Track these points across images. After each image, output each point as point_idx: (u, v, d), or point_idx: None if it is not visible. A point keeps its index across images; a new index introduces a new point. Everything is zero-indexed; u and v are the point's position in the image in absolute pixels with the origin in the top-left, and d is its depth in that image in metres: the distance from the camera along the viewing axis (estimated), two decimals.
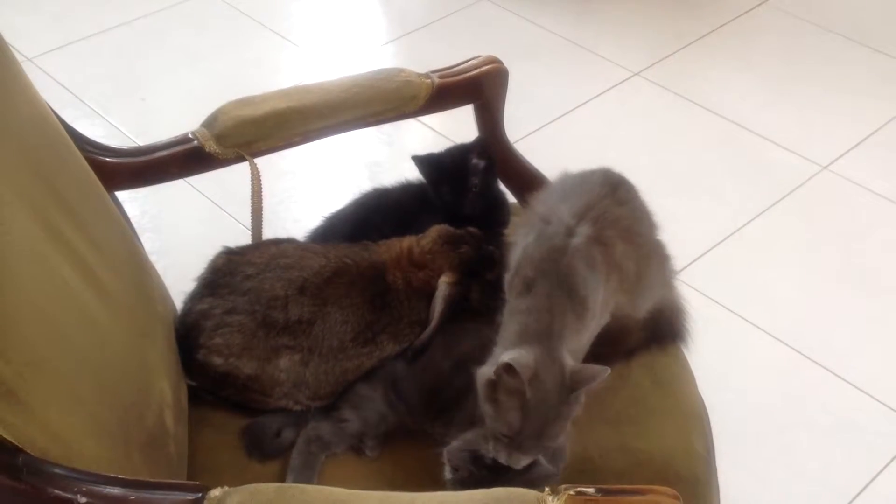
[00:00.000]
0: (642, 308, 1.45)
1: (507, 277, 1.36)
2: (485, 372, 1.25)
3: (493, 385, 1.23)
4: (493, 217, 1.62)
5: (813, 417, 2.14)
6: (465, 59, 1.67)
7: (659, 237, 1.49)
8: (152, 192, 2.48)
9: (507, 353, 1.23)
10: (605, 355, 1.38)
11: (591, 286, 1.30)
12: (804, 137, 2.89)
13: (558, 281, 1.28)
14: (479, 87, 1.63)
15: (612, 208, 1.38)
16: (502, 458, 1.24)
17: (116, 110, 2.98)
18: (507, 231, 1.62)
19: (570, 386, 1.22)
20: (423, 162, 1.63)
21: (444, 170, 1.62)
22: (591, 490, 1.05)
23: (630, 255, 1.37)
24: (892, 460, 2.05)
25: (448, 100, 1.63)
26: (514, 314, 1.30)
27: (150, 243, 2.40)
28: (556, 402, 1.22)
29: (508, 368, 1.20)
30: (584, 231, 1.32)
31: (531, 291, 1.29)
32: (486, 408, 1.25)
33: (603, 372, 1.22)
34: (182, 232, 2.58)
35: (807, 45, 3.29)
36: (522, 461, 1.24)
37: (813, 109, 3.01)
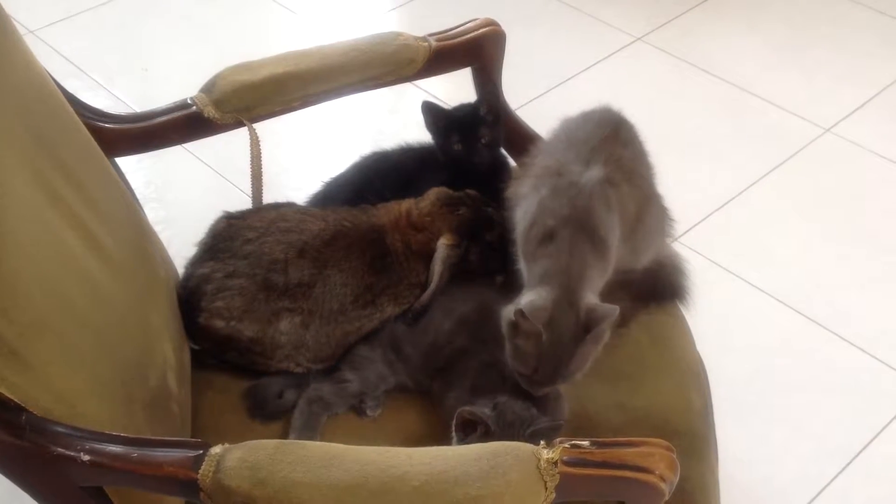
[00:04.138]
0: (642, 258, 1.46)
1: (522, 230, 1.38)
2: (507, 312, 1.28)
3: (513, 326, 1.27)
4: (496, 174, 1.63)
5: (814, 377, 2.15)
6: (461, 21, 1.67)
7: (656, 182, 1.50)
8: (157, 162, 2.53)
9: (524, 296, 1.27)
10: None
11: (610, 226, 1.33)
12: (807, 100, 2.88)
13: (579, 225, 1.31)
14: (477, 50, 1.63)
15: (617, 149, 1.41)
16: (524, 386, 1.29)
17: (119, 81, 2.99)
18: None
19: (586, 325, 1.26)
20: (433, 110, 1.64)
21: (454, 119, 1.63)
22: (585, 443, 1.06)
23: (632, 197, 1.40)
24: (892, 420, 2.06)
25: (446, 63, 1.63)
26: (538, 259, 1.33)
27: (155, 213, 2.41)
28: (572, 341, 1.26)
29: (523, 313, 1.23)
30: (594, 174, 1.35)
31: (553, 239, 1.31)
32: (507, 346, 1.29)
33: (613, 311, 1.26)
34: (187, 202, 2.58)
35: (810, 6, 3.27)
36: (541, 391, 1.29)
37: (816, 72, 3.00)
